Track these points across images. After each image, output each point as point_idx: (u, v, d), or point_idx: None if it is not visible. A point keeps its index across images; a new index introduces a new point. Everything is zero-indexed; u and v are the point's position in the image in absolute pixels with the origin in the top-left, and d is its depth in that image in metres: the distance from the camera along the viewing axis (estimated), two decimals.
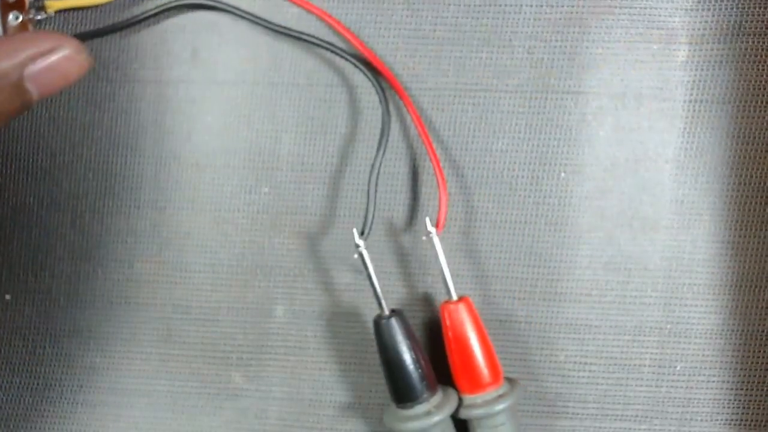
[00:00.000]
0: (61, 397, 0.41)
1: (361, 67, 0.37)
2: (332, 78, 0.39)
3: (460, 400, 0.36)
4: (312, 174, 0.39)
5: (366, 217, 0.36)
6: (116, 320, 0.40)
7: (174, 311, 0.40)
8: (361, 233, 0.36)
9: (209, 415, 0.40)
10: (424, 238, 0.37)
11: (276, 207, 0.39)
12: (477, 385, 0.36)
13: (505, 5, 0.38)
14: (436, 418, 0.35)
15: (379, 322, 0.36)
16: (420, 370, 0.35)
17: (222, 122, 0.39)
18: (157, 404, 0.40)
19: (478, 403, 0.36)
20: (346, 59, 0.38)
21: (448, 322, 0.36)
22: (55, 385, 0.41)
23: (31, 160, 0.40)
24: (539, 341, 0.38)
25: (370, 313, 0.39)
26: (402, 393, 0.35)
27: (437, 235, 0.36)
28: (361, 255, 0.36)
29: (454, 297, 0.36)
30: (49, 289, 0.40)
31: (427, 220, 0.36)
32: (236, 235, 0.39)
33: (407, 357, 0.35)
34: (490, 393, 0.36)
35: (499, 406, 0.35)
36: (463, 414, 0.36)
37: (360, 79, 0.38)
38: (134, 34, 0.39)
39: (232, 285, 0.40)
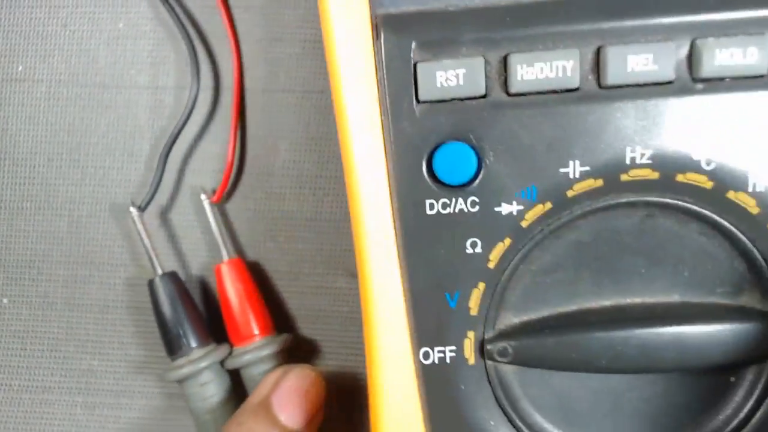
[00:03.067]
0: (59, 399, 0.41)
1: (178, 25, 0.38)
2: (327, 85, 0.39)
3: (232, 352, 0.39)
4: (307, 180, 0.39)
5: (150, 187, 0.39)
6: (113, 324, 0.40)
7: None
8: (139, 206, 0.38)
9: None
10: (202, 196, 0.39)
11: (271, 213, 0.39)
12: (242, 336, 0.38)
13: None
14: (203, 364, 0.37)
15: (152, 283, 0.38)
16: (191, 325, 0.38)
17: (218, 128, 0.39)
18: (156, 406, 0.41)
19: (242, 352, 0.38)
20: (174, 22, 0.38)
21: (219, 281, 0.38)
22: (54, 387, 0.41)
23: (28, 165, 0.40)
24: None
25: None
26: (174, 345, 0.38)
27: (211, 203, 0.39)
28: (134, 222, 0.38)
29: (225, 258, 0.38)
30: (45, 293, 0.41)
31: (201, 188, 0.39)
32: (232, 239, 0.40)
33: (177, 313, 0.38)
34: (255, 343, 0.38)
35: (263, 353, 0.37)
36: (231, 363, 0.38)
37: None
38: (131, 41, 0.39)
39: None
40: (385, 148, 0.27)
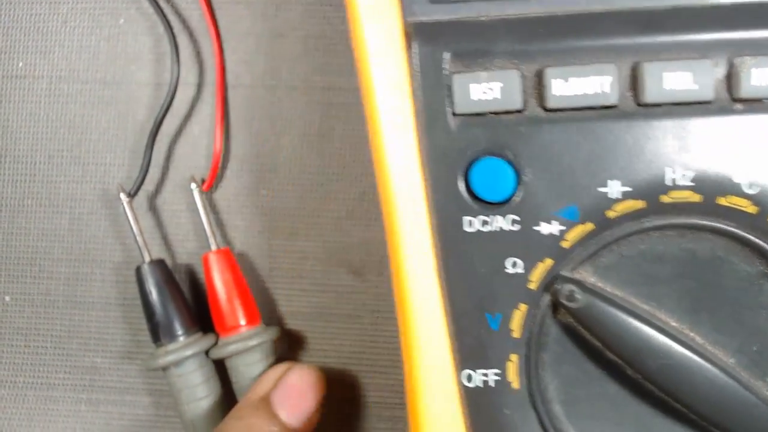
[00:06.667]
0: (64, 396, 0.41)
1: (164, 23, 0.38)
2: (330, 81, 0.39)
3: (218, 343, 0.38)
4: (310, 177, 0.39)
5: (139, 174, 0.38)
6: (116, 321, 0.40)
7: None
8: (129, 193, 0.38)
9: None
10: (192, 185, 0.38)
11: (275, 210, 0.39)
12: (229, 326, 0.38)
13: None
14: (188, 352, 0.37)
15: (139, 269, 0.38)
16: (177, 313, 0.38)
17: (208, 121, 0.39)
18: (160, 403, 0.41)
19: (227, 342, 0.37)
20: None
21: (206, 270, 0.38)
22: (59, 384, 0.41)
23: (29, 162, 0.40)
24: None
25: (368, 314, 0.39)
26: (159, 332, 0.38)
27: (200, 191, 0.38)
28: (124, 209, 0.38)
29: (214, 247, 0.38)
30: (47, 290, 0.40)
31: (192, 177, 0.38)
32: (235, 237, 0.40)
33: (164, 300, 0.38)
34: (241, 334, 0.37)
35: (248, 344, 0.37)
36: (216, 353, 0.38)
37: (357, 81, 0.38)
38: (131, 37, 0.39)
39: None
40: (420, 162, 0.26)
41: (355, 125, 0.39)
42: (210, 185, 0.39)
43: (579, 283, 0.26)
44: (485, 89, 0.25)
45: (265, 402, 0.34)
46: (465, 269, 0.26)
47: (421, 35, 0.25)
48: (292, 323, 0.40)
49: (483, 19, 0.25)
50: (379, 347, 0.39)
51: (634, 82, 0.25)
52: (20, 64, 0.40)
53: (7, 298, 0.41)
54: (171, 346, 0.37)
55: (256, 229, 0.39)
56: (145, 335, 0.40)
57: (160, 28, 0.39)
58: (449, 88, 0.25)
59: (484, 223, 0.26)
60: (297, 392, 0.35)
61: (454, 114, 0.25)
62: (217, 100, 0.39)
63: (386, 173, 0.26)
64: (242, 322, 0.37)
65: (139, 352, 0.40)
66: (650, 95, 0.25)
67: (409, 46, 0.26)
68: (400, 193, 0.26)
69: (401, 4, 0.26)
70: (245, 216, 0.40)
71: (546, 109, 0.25)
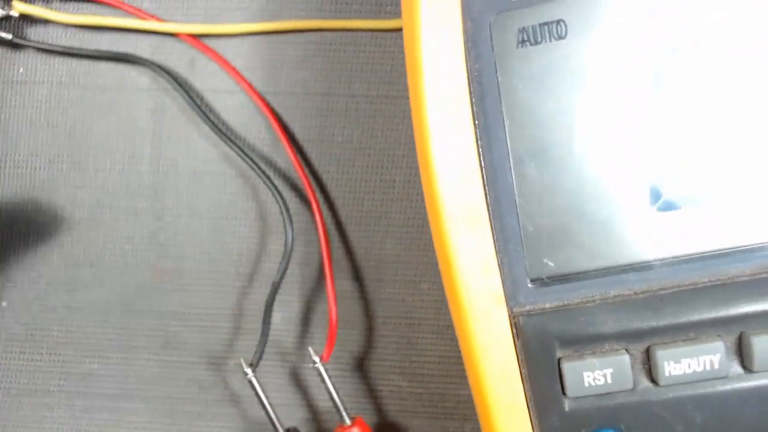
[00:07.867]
0: (59, 403, 0.41)
1: (273, 190, 0.38)
2: (328, 87, 0.39)
3: None
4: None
5: (258, 345, 0.38)
6: (113, 327, 0.40)
7: (171, 318, 0.40)
8: (250, 364, 0.37)
9: (207, 420, 0.40)
10: (309, 365, 0.38)
11: (273, 214, 0.39)
12: None
13: None
14: None
15: None
16: None
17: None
18: (155, 410, 0.40)
19: None
20: (264, 181, 0.38)
21: None
22: (54, 391, 0.41)
23: (29, 167, 0.40)
24: None
25: (367, 319, 0.39)
26: None
27: (322, 364, 0.37)
28: (251, 383, 0.37)
29: (347, 421, 0.37)
30: (45, 296, 0.40)
31: (311, 350, 0.37)
32: (233, 242, 0.40)
33: None
34: None
35: None
36: None
37: (357, 88, 0.39)
38: (132, 43, 0.39)
39: (229, 291, 0.40)
40: None
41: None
42: (329, 356, 0.38)
43: None
44: (597, 376, 0.26)
45: None
46: None
47: (528, 324, 0.26)
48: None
49: (587, 303, 0.26)
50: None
51: (740, 351, 0.25)
52: (21, 70, 0.40)
53: (4, 304, 0.41)
54: None
55: None
56: (142, 339, 0.40)
57: (161, 35, 0.39)
58: (560, 374, 0.26)
59: None
60: None
61: (565, 395, 0.26)
62: (326, 270, 0.38)
63: None
64: None
65: (136, 359, 0.40)
66: (760, 365, 0.25)
67: (517, 336, 0.26)
68: None
69: (505, 296, 0.26)
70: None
71: (657, 385, 0.26)
